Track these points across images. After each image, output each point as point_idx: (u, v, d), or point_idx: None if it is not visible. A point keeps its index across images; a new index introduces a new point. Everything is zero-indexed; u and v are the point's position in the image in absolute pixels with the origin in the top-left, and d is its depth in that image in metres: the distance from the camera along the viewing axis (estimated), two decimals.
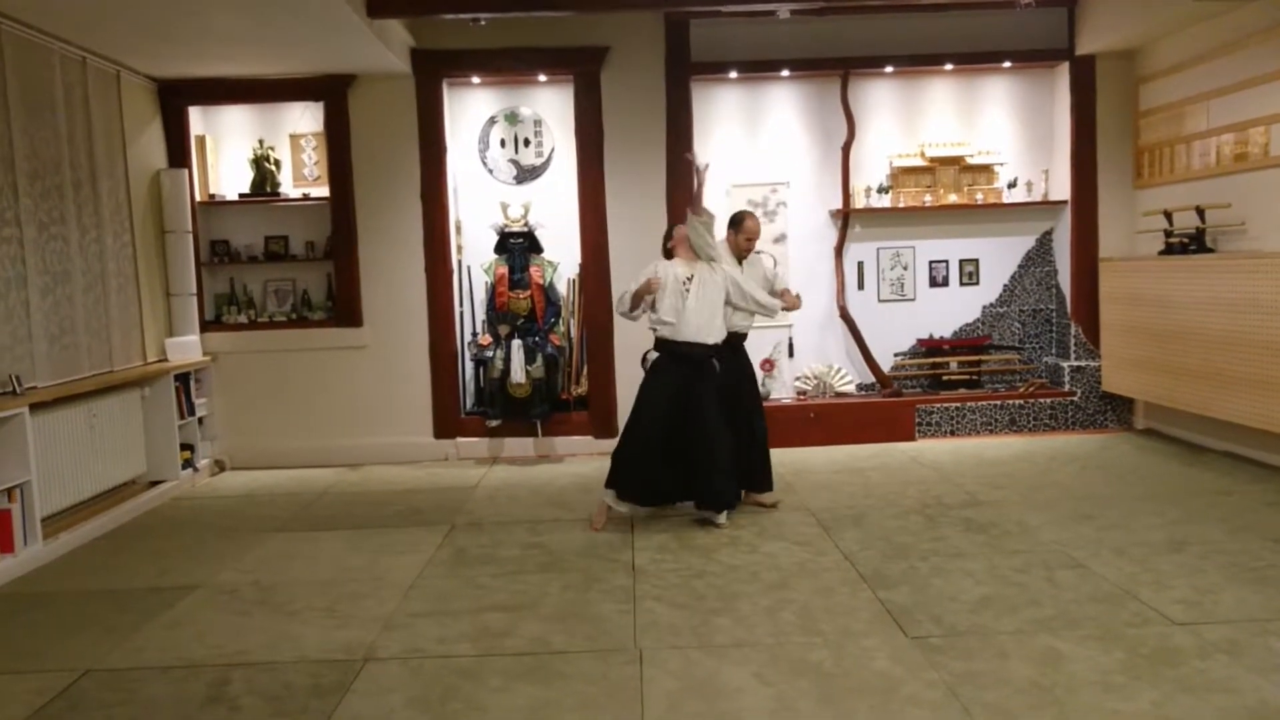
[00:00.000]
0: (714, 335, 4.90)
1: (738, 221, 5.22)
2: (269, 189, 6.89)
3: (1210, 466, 5.81)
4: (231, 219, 7.01)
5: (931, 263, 7.33)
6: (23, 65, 5.06)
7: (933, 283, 7.34)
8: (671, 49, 6.76)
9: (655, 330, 4.99)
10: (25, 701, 3.18)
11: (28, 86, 5.10)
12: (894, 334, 7.30)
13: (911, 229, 7.28)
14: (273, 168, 6.90)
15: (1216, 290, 5.65)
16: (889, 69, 7.02)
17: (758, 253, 5.37)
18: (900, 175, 7.17)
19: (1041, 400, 7.00)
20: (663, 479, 4.95)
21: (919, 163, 7.15)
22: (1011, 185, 7.20)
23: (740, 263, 5.21)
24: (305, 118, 6.96)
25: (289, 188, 6.99)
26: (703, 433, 4.85)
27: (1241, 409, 5.52)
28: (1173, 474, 5.67)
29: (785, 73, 7.02)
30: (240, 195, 6.92)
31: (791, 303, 5.29)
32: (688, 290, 4.86)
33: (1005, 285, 7.36)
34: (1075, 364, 7.03)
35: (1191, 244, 6.07)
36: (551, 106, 7.12)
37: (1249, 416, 5.47)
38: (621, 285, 6.74)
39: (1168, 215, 6.29)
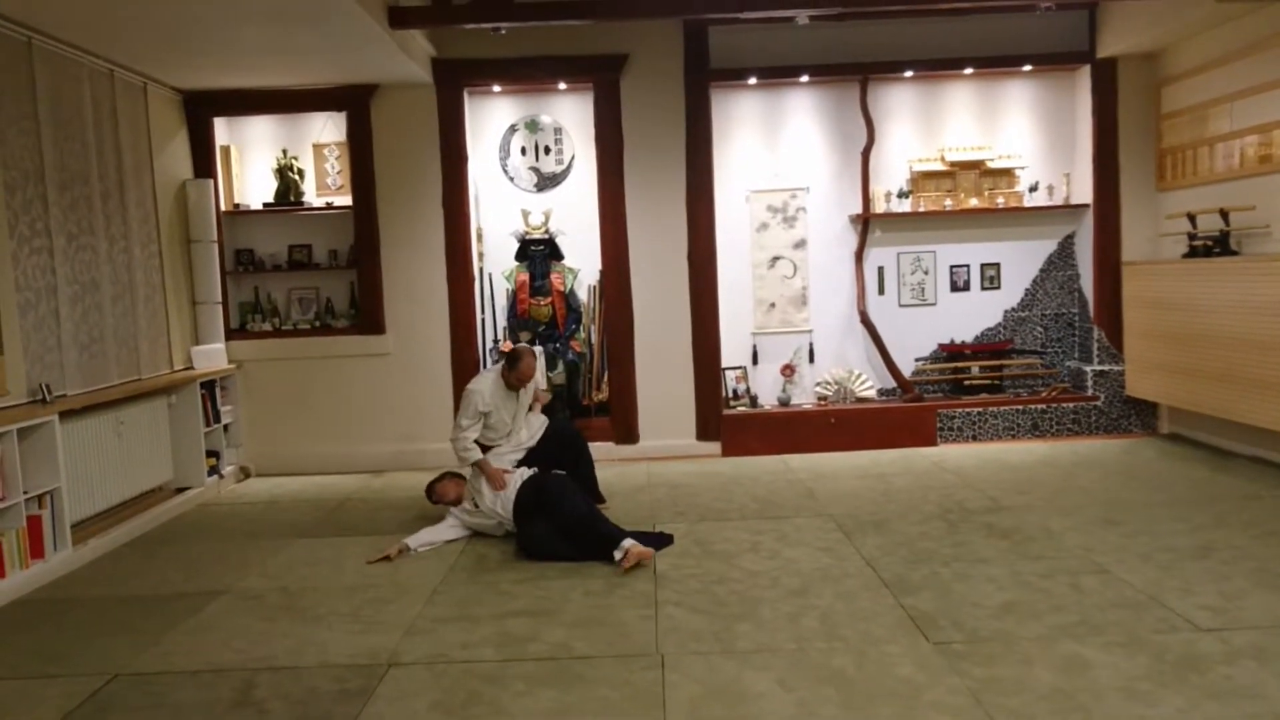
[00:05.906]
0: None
1: (514, 361, 5.14)
2: (293, 198, 6.97)
3: (1236, 471, 5.75)
4: (256, 228, 7.09)
5: (952, 267, 7.31)
6: (52, 79, 5.15)
7: (954, 287, 7.32)
8: (690, 56, 6.78)
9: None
10: (55, 705, 3.23)
11: (57, 100, 5.18)
12: (915, 339, 7.29)
13: (932, 233, 7.26)
14: (296, 177, 6.98)
15: (1241, 293, 5.60)
16: (908, 73, 7.01)
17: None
18: (920, 180, 7.15)
19: (1064, 405, 6.95)
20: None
21: (939, 167, 7.13)
22: (1033, 189, 7.17)
23: (518, 393, 5.23)
24: (328, 128, 7.04)
25: (312, 197, 7.07)
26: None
27: (1268, 413, 5.46)
28: (1198, 479, 5.62)
29: (804, 78, 7.02)
30: (264, 205, 7.01)
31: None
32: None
33: (1027, 289, 7.32)
34: (1098, 368, 6.98)
35: (1215, 247, 6.02)
36: (572, 114, 7.16)
37: (1276, 421, 5.42)
38: (643, 292, 6.84)
39: (1191, 218, 6.24)
